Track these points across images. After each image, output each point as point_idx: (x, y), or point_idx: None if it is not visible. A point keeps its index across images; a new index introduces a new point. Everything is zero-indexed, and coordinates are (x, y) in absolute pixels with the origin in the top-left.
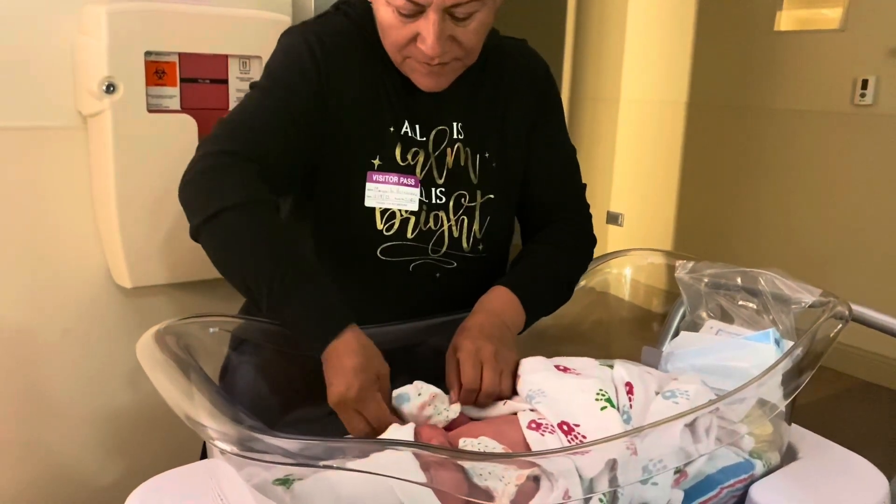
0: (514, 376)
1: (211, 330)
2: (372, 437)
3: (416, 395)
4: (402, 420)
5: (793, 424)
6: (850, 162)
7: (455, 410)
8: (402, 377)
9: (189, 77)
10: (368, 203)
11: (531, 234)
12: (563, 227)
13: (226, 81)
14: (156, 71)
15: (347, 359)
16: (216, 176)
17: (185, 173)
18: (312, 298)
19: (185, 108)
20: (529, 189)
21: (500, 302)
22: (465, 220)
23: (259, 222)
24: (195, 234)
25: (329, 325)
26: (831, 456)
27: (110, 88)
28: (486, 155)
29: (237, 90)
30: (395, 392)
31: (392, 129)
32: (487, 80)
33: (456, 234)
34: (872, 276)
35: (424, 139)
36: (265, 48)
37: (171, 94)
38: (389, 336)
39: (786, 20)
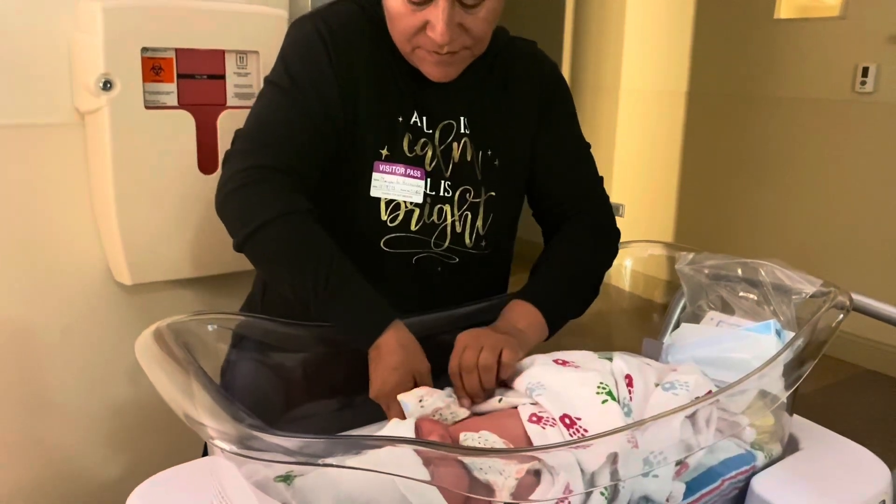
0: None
1: (210, 327)
2: None
3: (418, 407)
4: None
5: (794, 415)
6: (851, 149)
7: (463, 413)
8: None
9: (186, 73)
10: (374, 193)
11: (551, 231)
12: (582, 222)
13: (223, 77)
14: (153, 67)
15: (388, 356)
16: (250, 192)
17: (218, 191)
18: (355, 299)
19: (182, 104)
20: (544, 188)
21: (516, 315)
22: (469, 216)
23: (297, 232)
24: (239, 249)
25: (373, 323)
26: (833, 446)
27: (107, 85)
28: (489, 153)
29: (234, 85)
30: (399, 397)
31: (401, 118)
32: (495, 78)
33: (459, 230)
34: (874, 264)
35: (431, 131)
36: (262, 43)
37: (169, 90)
38: (429, 324)
39: (785, 8)
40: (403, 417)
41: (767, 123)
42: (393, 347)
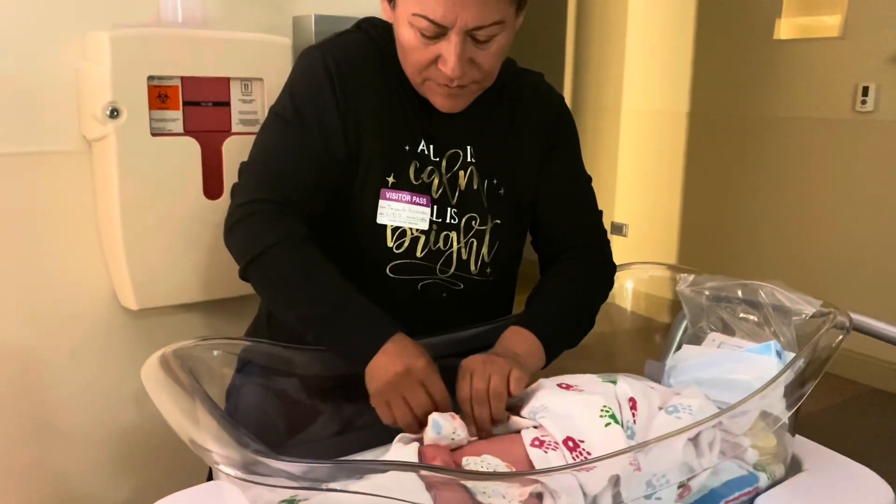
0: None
1: (215, 353)
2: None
3: (451, 436)
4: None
5: (797, 435)
6: (853, 168)
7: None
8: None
9: (191, 100)
10: (380, 220)
11: (548, 263)
12: (579, 256)
13: (228, 104)
14: (159, 95)
15: (388, 361)
16: (250, 223)
17: (225, 223)
18: (359, 317)
19: (188, 131)
20: (543, 219)
21: (515, 341)
22: (475, 243)
23: (297, 255)
24: (244, 277)
25: (375, 336)
26: (836, 467)
27: (114, 113)
28: (495, 181)
29: (239, 112)
30: (432, 417)
31: (407, 147)
32: (502, 108)
33: (465, 256)
34: (876, 284)
35: (438, 159)
36: (266, 70)
37: (174, 118)
38: (432, 347)
39: (785, 28)
40: (408, 417)
41: (769, 143)
42: (392, 355)
